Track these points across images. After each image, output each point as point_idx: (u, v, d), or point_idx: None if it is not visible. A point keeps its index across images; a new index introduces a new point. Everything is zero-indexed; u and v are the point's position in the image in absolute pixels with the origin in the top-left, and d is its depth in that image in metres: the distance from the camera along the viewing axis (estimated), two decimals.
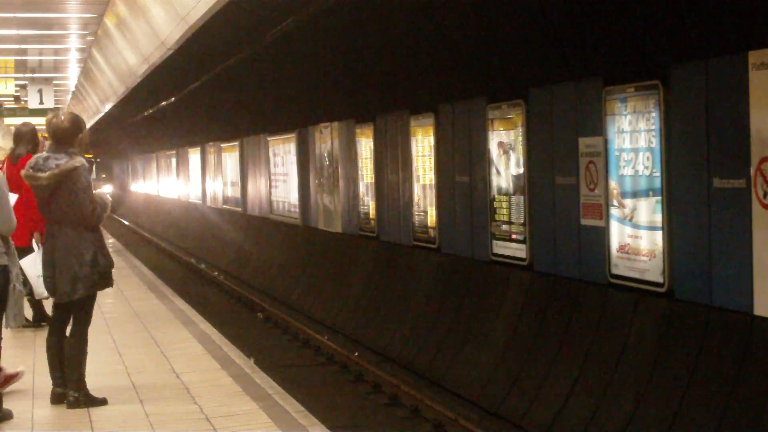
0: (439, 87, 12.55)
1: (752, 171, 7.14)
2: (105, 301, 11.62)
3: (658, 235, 8.24)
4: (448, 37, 11.39)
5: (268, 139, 21.61)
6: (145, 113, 31.07)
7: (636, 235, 8.53)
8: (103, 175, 56.82)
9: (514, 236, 10.71)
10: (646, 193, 8.36)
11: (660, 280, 8.23)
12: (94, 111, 38.22)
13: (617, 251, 8.79)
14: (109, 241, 22.61)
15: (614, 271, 8.85)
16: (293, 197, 19.79)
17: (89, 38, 24.26)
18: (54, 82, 31.28)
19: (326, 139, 17.37)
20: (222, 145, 26.98)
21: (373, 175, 14.94)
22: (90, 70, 30.38)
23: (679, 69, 8.00)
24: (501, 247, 10.97)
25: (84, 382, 6.91)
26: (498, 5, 9.93)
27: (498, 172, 10.98)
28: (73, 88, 37.56)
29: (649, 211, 8.34)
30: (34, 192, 6.96)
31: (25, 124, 10.05)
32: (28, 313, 9.52)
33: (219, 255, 25.55)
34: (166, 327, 10.44)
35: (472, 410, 10.06)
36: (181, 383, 7.68)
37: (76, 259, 6.76)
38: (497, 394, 10.07)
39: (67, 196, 6.75)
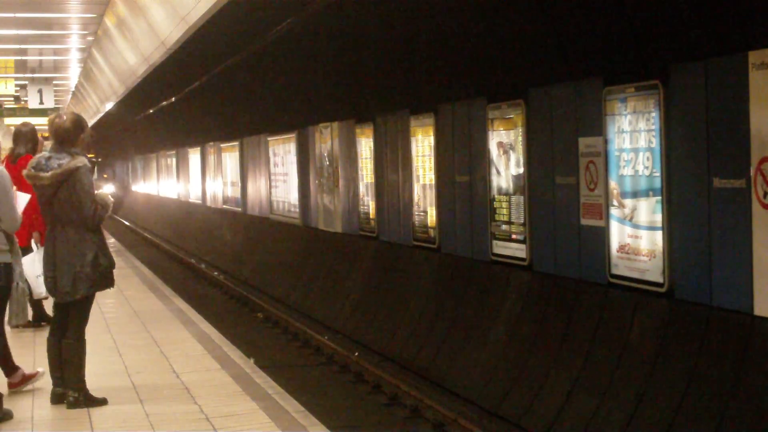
0: (439, 87, 12.56)
1: (752, 171, 7.14)
2: (105, 301, 11.62)
3: (658, 235, 8.24)
4: (448, 37, 11.39)
5: (268, 139, 21.61)
6: (146, 113, 31.09)
7: (636, 235, 8.53)
8: (105, 176, 56.86)
9: (514, 236, 10.71)
10: (646, 193, 8.36)
11: (660, 280, 8.23)
12: (94, 111, 38.24)
13: (617, 251, 8.79)
14: (110, 241, 22.60)
15: (614, 271, 8.85)
16: (293, 197, 19.79)
17: (89, 38, 24.26)
18: (54, 82, 31.28)
19: (326, 139, 17.37)
20: (222, 145, 26.99)
21: (373, 175, 14.95)
22: (90, 70, 30.39)
23: (679, 69, 8.00)
24: (501, 247, 10.97)
25: (84, 383, 6.91)
26: (498, 5, 9.93)
27: (498, 172, 10.98)
28: (73, 88, 37.56)
29: (649, 211, 8.34)
30: (35, 192, 6.97)
31: (24, 124, 10.05)
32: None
33: (219, 255, 25.55)
34: (166, 327, 10.44)
35: (472, 410, 10.06)
36: (181, 383, 7.68)
37: (77, 259, 6.77)
38: (497, 394, 10.07)
39: (69, 197, 6.75)
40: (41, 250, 7.44)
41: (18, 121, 26.62)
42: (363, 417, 10.34)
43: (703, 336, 7.73)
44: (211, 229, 28.36)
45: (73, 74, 33.06)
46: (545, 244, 10.19)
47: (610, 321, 8.97)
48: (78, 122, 6.96)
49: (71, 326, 6.89)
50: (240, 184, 24.83)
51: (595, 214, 9.22)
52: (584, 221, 9.41)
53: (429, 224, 12.94)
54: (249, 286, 20.52)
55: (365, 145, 15.16)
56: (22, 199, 7.51)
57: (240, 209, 25.00)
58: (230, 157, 26.11)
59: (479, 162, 11.47)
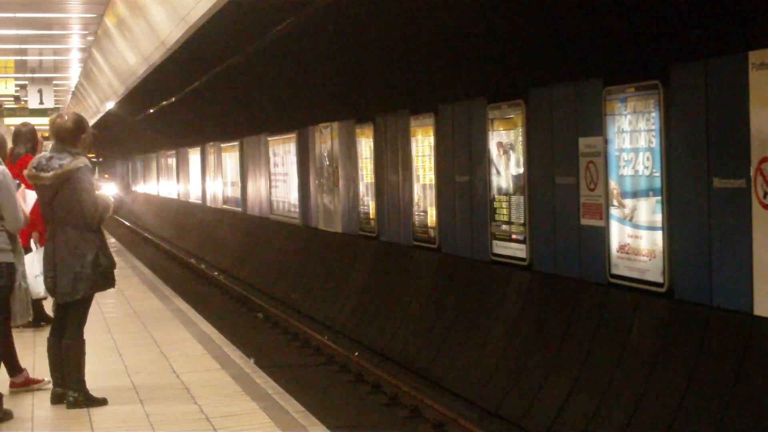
0: (439, 87, 12.56)
1: (752, 171, 7.14)
2: (105, 301, 11.63)
3: (658, 235, 8.24)
4: (448, 37, 11.39)
5: (268, 139, 21.61)
6: (146, 113, 31.09)
7: (636, 235, 8.53)
8: (106, 176, 56.85)
9: (514, 236, 10.71)
10: (646, 193, 8.36)
11: (660, 280, 8.23)
12: (94, 111, 38.25)
13: (617, 251, 8.79)
14: (110, 241, 22.60)
15: (614, 271, 8.85)
16: (293, 197, 19.79)
17: (89, 38, 24.27)
18: (54, 82, 31.29)
19: (326, 139, 17.38)
20: (222, 145, 26.99)
21: (373, 175, 14.95)
22: (90, 70, 30.40)
23: (679, 69, 8.00)
24: (501, 247, 10.97)
25: (84, 383, 6.91)
26: (498, 5, 9.92)
27: (498, 172, 10.98)
28: (73, 88, 37.57)
29: (649, 211, 8.34)
30: (36, 192, 6.97)
31: (24, 124, 10.06)
32: None
33: (219, 255, 25.55)
34: (166, 327, 10.44)
35: (472, 410, 10.06)
36: (181, 383, 7.68)
37: (77, 260, 6.76)
38: (497, 394, 10.06)
39: (70, 197, 6.75)
40: (40, 250, 7.45)
41: (18, 121, 26.62)
42: (363, 417, 10.34)
43: (703, 336, 7.73)
44: (211, 230, 28.37)
45: (73, 74, 33.06)
46: (545, 244, 10.18)
47: (610, 321, 8.97)
48: (79, 122, 6.97)
49: (70, 326, 6.89)
50: (240, 184, 24.83)
51: (595, 214, 9.22)
52: (584, 221, 9.41)
53: (429, 224, 12.94)
54: (249, 286, 20.52)
55: (365, 145, 15.16)
56: (30, 197, 7.52)
57: (240, 209, 25.00)
58: (230, 157, 26.11)
59: (479, 162, 11.47)
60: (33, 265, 7.66)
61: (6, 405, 6.69)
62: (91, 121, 38.61)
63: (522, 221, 10.52)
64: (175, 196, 35.90)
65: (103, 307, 11.36)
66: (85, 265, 6.77)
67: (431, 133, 12.72)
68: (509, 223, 10.77)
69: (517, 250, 10.64)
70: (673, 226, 8.12)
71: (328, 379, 12.18)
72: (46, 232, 7.06)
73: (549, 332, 9.81)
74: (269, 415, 6.68)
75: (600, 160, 9.05)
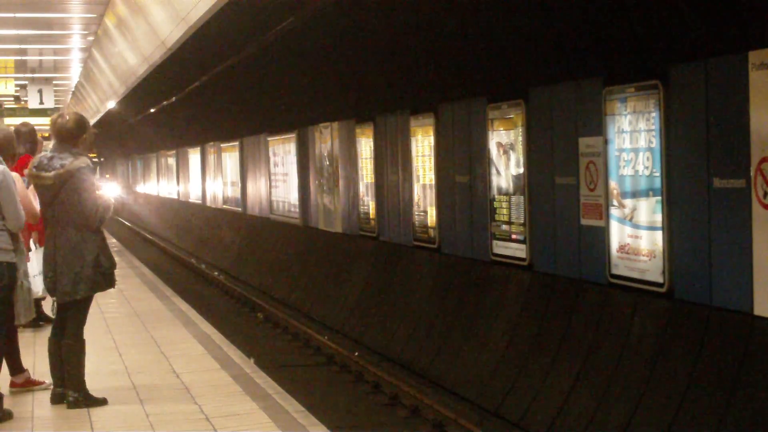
0: (439, 87, 12.55)
1: (752, 171, 7.14)
2: (105, 301, 11.62)
3: (658, 235, 8.24)
4: (448, 37, 11.39)
5: (268, 139, 21.61)
6: (146, 113, 31.08)
7: (636, 235, 8.53)
8: (107, 176, 56.81)
9: (514, 236, 10.71)
10: (646, 193, 8.35)
11: (660, 280, 8.23)
12: (94, 111, 38.24)
13: (617, 251, 8.79)
14: (110, 241, 22.62)
15: (614, 271, 8.85)
16: (293, 197, 19.79)
17: (89, 38, 24.26)
18: (54, 82, 31.27)
19: (326, 139, 17.38)
20: (222, 145, 26.99)
21: (373, 175, 14.95)
22: (90, 70, 30.39)
23: (679, 69, 8.00)
24: (501, 247, 10.97)
25: (84, 382, 6.91)
26: (498, 5, 9.92)
27: (498, 172, 10.98)
28: (73, 88, 37.56)
29: (649, 211, 8.34)
30: (36, 191, 6.96)
31: (24, 124, 10.05)
32: None
33: (219, 255, 25.55)
34: (166, 327, 10.44)
35: (472, 410, 10.06)
36: (181, 383, 7.67)
37: (78, 260, 6.76)
38: (497, 394, 10.06)
39: (71, 197, 6.75)
40: (40, 250, 7.44)
41: (18, 121, 26.60)
42: (363, 417, 10.34)
43: (703, 336, 7.73)
44: (211, 230, 28.37)
45: (73, 74, 33.05)
46: (545, 244, 10.18)
47: (610, 321, 8.97)
48: (81, 122, 6.96)
49: (69, 326, 6.89)
50: (240, 184, 24.83)
51: (595, 214, 9.22)
52: (584, 221, 9.41)
53: (429, 224, 12.94)
54: (249, 286, 20.52)
55: (365, 145, 15.16)
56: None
57: (240, 209, 25.00)
58: (230, 157, 26.11)
59: (479, 162, 11.47)
60: (32, 264, 7.65)
61: (6, 405, 6.68)
62: (92, 121, 38.62)
63: (522, 221, 10.52)
64: (175, 196, 35.90)
65: (103, 307, 11.36)
66: (85, 266, 6.76)
67: (431, 133, 12.71)
68: (509, 223, 10.77)
69: (517, 250, 10.64)
70: (673, 226, 8.12)
71: (328, 379, 12.18)
72: (45, 231, 7.06)
73: (549, 332, 9.81)
74: (269, 415, 6.68)
75: (600, 160, 9.05)
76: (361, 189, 15.46)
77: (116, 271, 7.03)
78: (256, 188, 23.39)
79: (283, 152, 20.46)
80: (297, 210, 19.48)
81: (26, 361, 7.76)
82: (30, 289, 6.77)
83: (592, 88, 9.16)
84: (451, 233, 12.36)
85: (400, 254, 14.05)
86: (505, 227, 10.87)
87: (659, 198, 8.20)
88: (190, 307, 11.99)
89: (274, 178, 21.43)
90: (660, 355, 8.12)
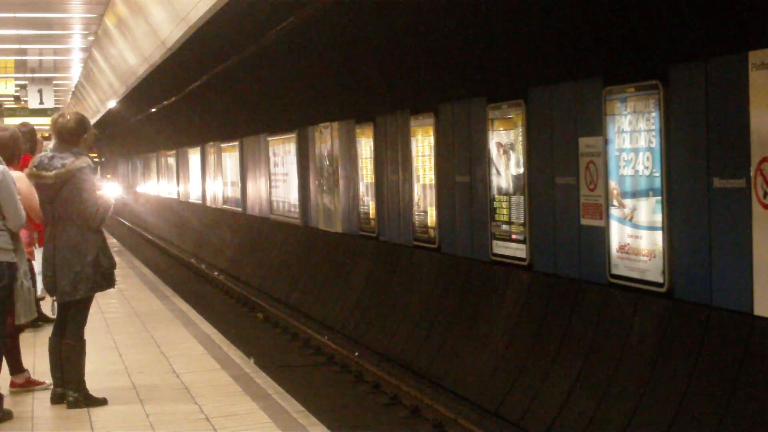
0: (439, 87, 12.55)
1: (752, 171, 7.14)
2: (105, 301, 11.63)
3: (658, 235, 8.24)
4: (448, 37, 11.38)
5: (268, 139, 21.61)
6: (146, 113, 31.08)
7: (636, 235, 8.53)
8: (108, 176, 56.76)
9: (514, 236, 10.71)
10: (646, 193, 8.36)
11: (660, 280, 8.23)
12: (94, 111, 38.24)
13: (617, 251, 8.79)
14: (110, 241, 22.61)
15: (614, 271, 8.85)
16: (293, 197, 19.79)
17: (89, 38, 24.26)
18: (54, 82, 31.27)
19: (326, 139, 17.37)
20: (222, 145, 26.99)
21: (373, 175, 14.95)
22: (90, 70, 30.39)
23: (679, 69, 8.00)
24: (501, 247, 10.97)
25: (84, 382, 6.91)
26: (498, 5, 9.92)
27: (498, 172, 10.98)
28: (73, 88, 37.56)
29: (649, 211, 8.34)
30: (37, 191, 6.96)
31: (23, 124, 10.06)
32: None
33: (219, 255, 25.55)
34: (166, 327, 10.45)
35: (472, 410, 10.06)
36: (181, 383, 7.68)
37: (78, 260, 6.76)
38: (497, 394, 10.06)
39: (72, 196, 6.75)
40: (39, 250, 7.44)
41: (18, 121, 26.59)
42: (363, 417, 10.34)
43: (703, 336, 7.73)
44: (211, 230, 28.36)
45: (73, 74, 33.05)
46: (545, 244, 10.18)
47: (610, 321, 8.97)
48: (82, 122, 6.96)
49: (70, 326, 6.89)
50: (240, 184, 24.83)
51: (595, 214, 9.22)
52: (584, 221, 9.41)
53: (429, 224, 12.94)
54: (249, 286, 20.52)
55: (365, 145, 15.16)
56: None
57: (240, 209, 25.00)
58: (230, 157, 26.11)
59: (479, 162, 11.47)
60: (38, 263, 7.65)
61: (6, 405, 6.69)
62: (92, 121, 38.58)
63: (522, 221, 10.52)
64: (175, 196, 35.90)
65: (103, 307, 11.36)
66: (85, 265, 6.77)
67: (431, 133, 12.71)
68: (509, 223, 10.77)
69: (517, 250, 10.64)
70: (673, 226, 8.12)
71: (328, 379, 12.18)
72: (45, 231, 7.06)
73: (549, 332, 9.81)
74: (269, 415, 6.68)
75: (600, 160, 9.05)
76: (361, 189, 15.46)
77: (116, 271, 7.03)
78: (256, 188, 23.39)
79: (283, 152, 20.46)
80: (297, 210, 19.48)
81: (26, 361, 7.76)
82: (30, 288, 6.77)
83: (592, 88, 9.16)
84: (451, 233, 12.36)
85: (400, 254, 14.05)
86: (505, 227, 10.87)
87: (659, 198, 8.20)
88: (190, 307, 12.00)
89: (274, 178, 21.43)
90: (660, 355, 8.12)
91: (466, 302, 11.70)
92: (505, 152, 10.80)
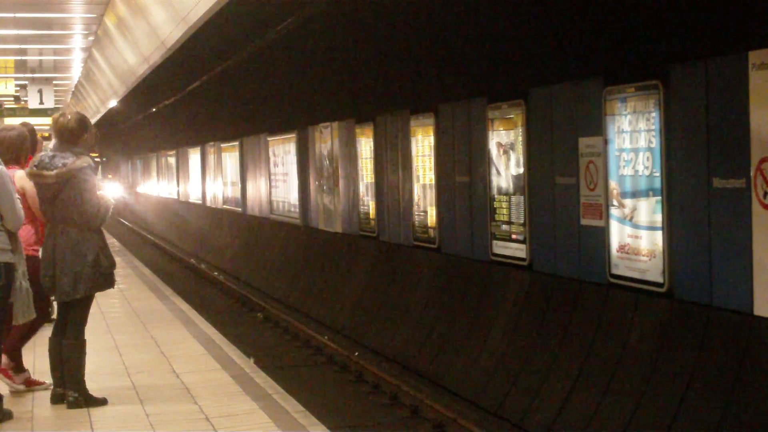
0: (439, 87, 12.55)
1: (752, 171, 7.14)
2: (105, 301, 11.63)
3: (658, 235, 8.24)
4: (448, 37, 11.38)
5: (268, 139, 21.60)
6: (145, 113, 31.08)
7: (636, 235, 8.53)
8: (109, 176, 56.72)
9: (514, 236, 10.71)
10: (646, 193, 8.36)
11: (660, 280, 8.23)
12: (94, 111, 38.24)
13: (617, 251, 8.79)
14: (110, 241, 22.61)
15: (614, 271, 8.85)
16: (293, 197, 19.79)
17: (89, 38, 24.25)
18: (54, 82, 31.25)
19: (326, 139, 17.37)
20: (222, 145, 26.99)
21: (373, 175, 14.95)
22: (90, 70, 30.39)
23: (679, 69, 8.00)
24: (501, 247, 10.97)
25: (84, 383, 6.91)
26: (498, 5, 9.92)
27: (498, 172, 10.98)
28: (73, 88, 37.56)
29: (649, 211, 8.34)
30: (37, 190, 6.95)
31: (24, 124, 10.05)
32: None
33: (219, 255, 25.55)
34: (166, 327, 10.45)
35: (472, 410, 10.06)
36: (181, 383, 7.68)
37: (78, 259, 6.75)
38: (497, 394, 10.06)
39: (73, 196, 6.74)
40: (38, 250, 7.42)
41: (18, 121, 26.57)
42: (363, 417, 10.34)
43: (703, 336, 7.73)
44: (211, 230, 28.36)
45: (73, 74, 33.04)
46: (545, 244, 10.18)
47: (610, 321, 8.97)
48: (82, 122, 6.96)
49: (70, 326, 6.89)
50: (240, 185, 24.83)
51: (595, 214, 9.22)
52: (584, 221, 9.41)
53: (429, 224, 12.94)
54: (249, 286, 20.52)
55: (365, 145, 15.16)
56: None
57: (240, 209, 24.99)
58: (230, 157, 26.11)
59: (479, 162, 11.47)
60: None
61: (6, 405, 6.68)
62: (92, 122, 38.57)
63: (522, 221, 10.52)
64: (175, 197, 35.90)
65: (103, 307, 11.36)
66: (85, 265, 6.76)
67: (431, 133, 12.71)
68: (509, 223, 10.77)
69: (517, 250, 10.64)
70: (673, 226, 8.12)
71: (328, 379, 12.18)
72: (45, 231, 7.05)
73: (549, 332, 9.81)
74: (269, 415, 6.68)
75: (600, 160, 9.05)
76: (361, 189, 15.46)
77: (116, 271, 7.03)
78: (256, 188, 23.39)
79: (283, 152, 20.46)
80: (297, 210, 19.48)
81: (26, 360, 7.76)
82: (28, 289, 6.75)
83: (592, 88, 9.16)
84: (451, 233, 12.36)
85: (400, 254, 14.05)
86: (505, 227, 10.87)
87: (659, 198, 8.20)
88: (190, 307, 12.00)
89: (274, 178, 21.43)
90: (660, 355, 8.12)
91: (466, 302, 11.70)
92: (505, 152, 10.80)
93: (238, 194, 25.17)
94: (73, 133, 6.88)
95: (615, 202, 8.82)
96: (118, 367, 8.31)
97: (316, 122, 17.87)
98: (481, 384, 10.46)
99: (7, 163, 7.30)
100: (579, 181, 9.44)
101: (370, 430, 9.91)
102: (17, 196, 6.69)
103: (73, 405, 6.82)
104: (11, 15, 20.13)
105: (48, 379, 7.23)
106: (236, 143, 25.02)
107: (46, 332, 7.26)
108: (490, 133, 11.07)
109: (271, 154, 21.51)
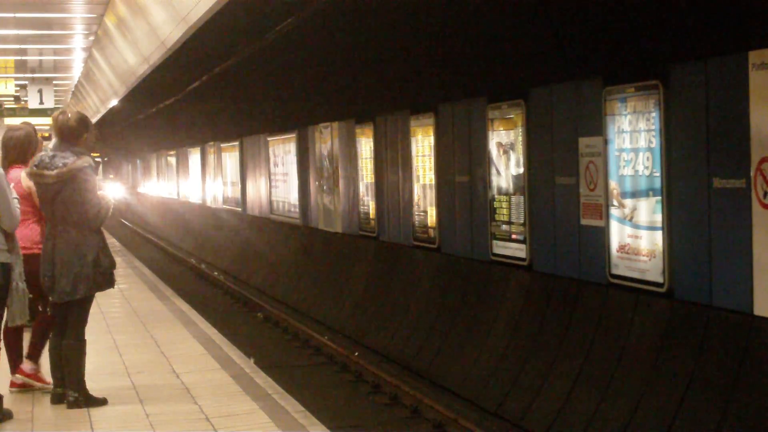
0: (439, 87, 12.55)
1: (752, 171, 7.14)
2: (105, 301, 11.62)
3: (658, 235, 8.24)
4: (448, 37, 11.38)
5: (268, 139, 21.60)
6: (145, 113, 31.08)
7: (636, 235, 8.53)
8: (111, 176, 56.69)
9: (514, 236, 10.71)
10: (646, 193, 8.36)
11: (660, 280, 8.23)
12: (94, 111, 38.24)
13: (617, 251, 8.79)
14: (110, 241, 22.60)
15: (614, 271, 8.85)
16: (293, 197, 19.79)
17: (89, 38, 24.26)
18: (54, 82, 31.25)
19: (326, 139, 17.37)
20: (222, 145, 26.99)
21: (373, 175, 14.95)
22: (90, 70, 30.39)
23: (679, 69, 8.00)
24: (501, 247, 10.97)
25: (84, 382, 6.90)
26: (498, 5, 9.92)
27: (498, 172, 10.98)
28: (73, 88, 37.56)
29: (649, 211, 8.34)
30: (37, 190, 6.94)
31: (25, 124, 10.05)
32: None
33: (219, 255, 25.55)
34: (166, 327, 10.44)
35: (472, 410, 10.06)
36: (181, 383, 7.67)
37: (78, 259, 6.75)
38: (497, 394, 10.06)
39: (73, 196, 6.73)
40: None
41: (18, 121, 26.56)
42: (363, 417, 10.34)
43: (703, 336, 7.73)
44: (211, 230, 28.36)
45: (73, 74, 33.05)
46: (545, 244, 10.18)
47: (610, 321, 8.97)
48: (83, 121, 6.95)
49: (71, 326, 6.88)
50: (240, 185, 24.83)
51: (595, 214, 9.22)
52: (584, 221, 9.41)
53: (429, 224, 12.94)
54: (249, 286, 20.52)
55: (365, 145, 15.16)
56: None
57: (240, 209, 24.99)
58: (230, 157, 26.11)
59: (479, 162, 11.47)
60: None
61: (6, 405, 6.68)
62: (91, 121, 38.52)
63: (522, 221, 10.52)
64: (175, 197, 35.90)
65: (103, 307, 11.36)
66: (85, 265, 6.75)
67: (431, 133, 12.71)
68: (509, 223, 10.77)
69: (517, 250, 10.64)
70: (673, 226, 8.12)
71: (328, 379, 12.18)
72: (45, 230, 7.05)
73: (549, 332, 9.81)
74: (269, 415, 6.68)
75: (600, 160, 9.05)
76: (361, 189, 15.46)
77: (116, 271, 7.02)
78: (256, 188, 23.39)
79: (283, 152, 20.46)
80: (297, 210, 19.48)
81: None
82: (25, 290, 6.74)
83: (592, 88, 9.16)
84: (451, 233, 12.36)
85: (400, 254, 14.04)
86: (505, 227, 10.87)
87: (659, 198, 8.20)
88: (190, 307, 11.99)
89: (274, 178, 21.43)
90: (660, 355, 8.12)
91: (466, 302, 11.70)
92: (505, 152, 10.80)
93: (238, 194, 25.17)
94: (74, 132, 6.87)
95: (615, 202, 8.82)
96: (118, 367, 8.30)
97: (316, 122, 17.87)
98: (481, 384, 10.46)
99: (13, 163, 7.31)
100: (579, 181, 9.44)
101: (370, 430, 9.91)
102: (15, 195, 6.68)
103: (73, 405, 6.81)
104: (11, 15, 20.12)
105: (48, 379, 7.22)
106: (236, 143, 25.02)
107: None
108: (490, 133, 11.07)
109: (271, 154, 21.51)
